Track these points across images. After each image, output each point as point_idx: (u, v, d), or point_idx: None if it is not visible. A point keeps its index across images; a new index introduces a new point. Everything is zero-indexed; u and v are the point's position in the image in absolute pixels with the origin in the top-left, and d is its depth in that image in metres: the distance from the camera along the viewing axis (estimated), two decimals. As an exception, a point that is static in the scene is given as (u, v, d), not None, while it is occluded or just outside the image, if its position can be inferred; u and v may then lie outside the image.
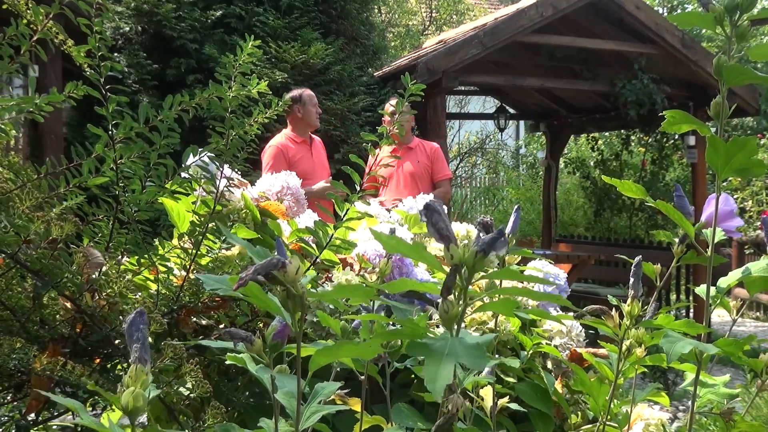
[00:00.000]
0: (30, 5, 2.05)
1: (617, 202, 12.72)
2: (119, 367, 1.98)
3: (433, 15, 19.56)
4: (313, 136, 6.64)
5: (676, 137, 11.89)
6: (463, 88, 13.16)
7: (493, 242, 0.97)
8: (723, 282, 1.49)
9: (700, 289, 1.50)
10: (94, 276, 1.80)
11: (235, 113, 2.15)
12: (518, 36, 9.00)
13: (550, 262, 2.63)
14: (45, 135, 7.71)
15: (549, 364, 2.43)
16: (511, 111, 13.06)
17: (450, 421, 1.07)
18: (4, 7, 2.09)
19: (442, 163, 7.14)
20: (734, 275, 1.50)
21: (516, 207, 1.75)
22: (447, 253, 0.99)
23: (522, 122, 19.21)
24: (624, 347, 1.57)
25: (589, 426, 2.15)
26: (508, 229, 1.69)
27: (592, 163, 13.72)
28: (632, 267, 1.55)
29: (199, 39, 8.35)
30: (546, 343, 2.34)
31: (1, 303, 1.83)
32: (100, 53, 1.88)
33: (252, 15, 8.55)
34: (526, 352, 2.31)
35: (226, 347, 1.21)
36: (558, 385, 2.35)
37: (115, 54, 8.47)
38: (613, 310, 1.65)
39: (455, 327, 0.99)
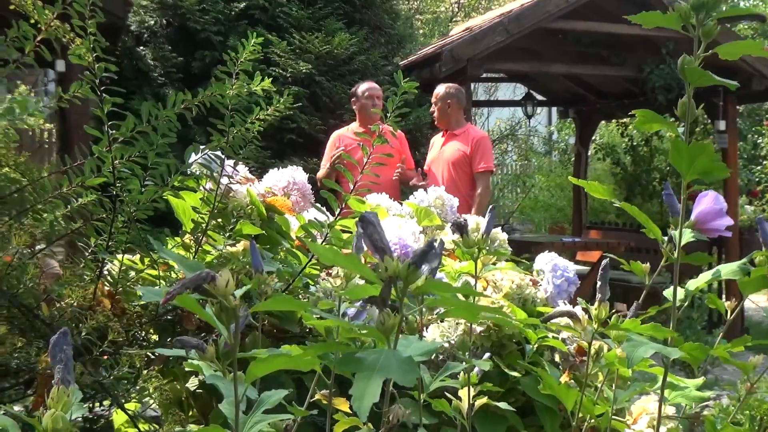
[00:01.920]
0: (36, 6, 2.07)
1: (648, 189, 12.60)
2: (125, 372, 1.99)
3: (462, 1, 19.48)
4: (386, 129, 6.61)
5: (708, 122, 11.78)
6: (491, 75, 13.11)
7: (425, 255, 0.98)
8: (692, 284, 1.48)
9: (668, 292, 1.48)
10: (51, 286, 1.81)
11: (237, 111, 2.17)
12: (544, 22, 8.95)
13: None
14: (73, 129, 7.78)
15: (557, 358, 2.42)
16: (540, 98, 12.98)
17: None
18: (11, 7, 2.11)
19: (483, 153, 6.70)
20: (704, 277, 1.48)
21: (491, 207, 1.73)
22: (381, 265, 1.00)
23: (554, 108, 19.11)
24: (593, 350, 1.57)
25: (594, 422, 2.14)
26: (482, 230, 1.68)
27: (622, 149, 13.60)
28: (599, 270, 1.54)
29: (223, 31, 8.37)
30: (553, 336, 2.33)
31: (10, 301, 1.85)
32: (95, 54, 1.89)
33: (275, 6, 8.55)
34: (531, 346, 2.30)
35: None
36: (565, 378, 2.33)
37: (141, 48, 8.52)
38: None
39: (393, 339, 0.99)
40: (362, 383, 0.90)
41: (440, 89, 6.83)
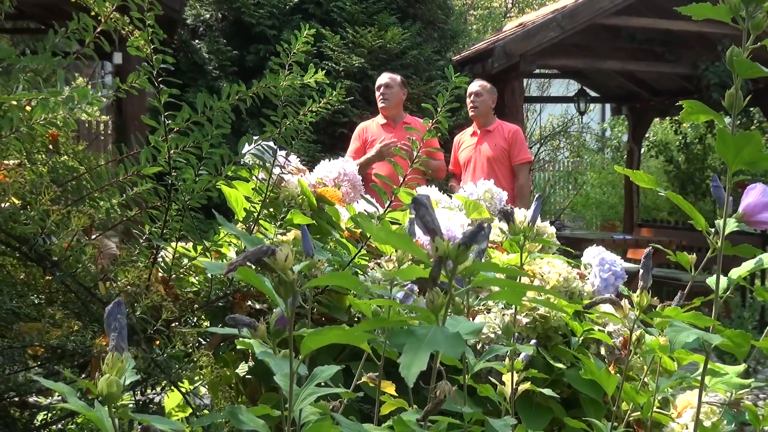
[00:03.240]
0: (95, -1, 2.12)
1: (701, 187, 12.48)
2: (178, 348, 2.04)
3: (516, -3, 19.41)
4: (412, 120, 6.52)
5: (764, 120, 11.64)
6: (544, 71, 13.05)
7: (474, 236, 1.02)
8: (734, 273, 1.49)
9: (711, 280, 1.49)
10: (108, 266, 1.86)
11: (290, 102, 2.20)
12: (598, 18, 8.91)
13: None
14: (129, 120, 7.91)
15: (603, 351, 2.43)
16: (593, 94, 12.90)
17: (437, 407, 1.11)
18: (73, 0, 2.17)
19: (521, 146, 6.83)
20: (747, 266, 1.49)
21: (537, 196, 1.76)
22: (432, 245, 1.03)
23: (608, 105, 18.97)
24: (634, 337, 1.58)
25: (637, 414, 2.16)
26: (528, 218, 1.71)
27: (675, 146, 13.48)
28: (642, 258, 1.56)
29: (277, 25, 8.46)
30: (598, 329, 2.34)
31: (64, 283, 1.90)
32: (153, 46, 1.94)
33: (329, 0, 8.62)
34: (577, 338, 2.32)
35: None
36: (611, 371, 2.34)
37: (196, 41, 8.63)
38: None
39: (441, 317, 1.02)
40: (411, 354, 0.95)
41: (485, 83, 6.81)
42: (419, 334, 0.97)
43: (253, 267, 1.08)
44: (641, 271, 1.57)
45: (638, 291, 1.58)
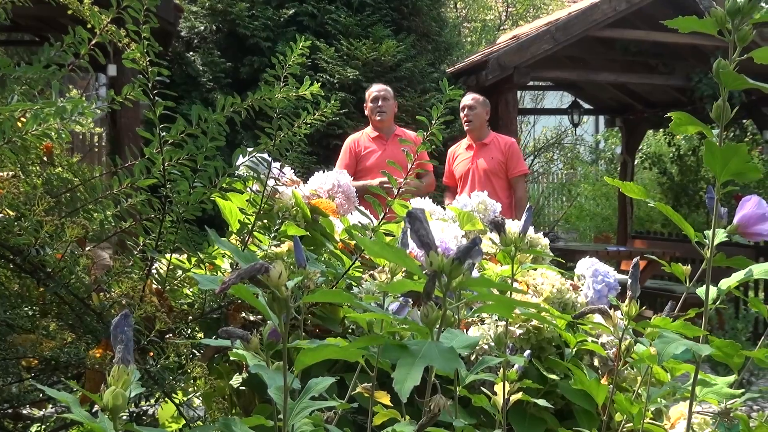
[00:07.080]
0: (91, 11, 2.13)
1: (694, 198, 12.51)
2: (171, 360, 2.04)
3: (509, 10, 19.45)
4: (402, 132, 6.48)
5: (757, 133, 11.68)
6: (538, 83, 13.08)
7: (468, 251, 1.02)
8: (723, 284, 1.50)
9: (700, 291, 1.50)
10: (101, 277, 1.87)
11: (285, 114, 2.21)
12: (591, 30, 8.95)
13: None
14: (123, 133, 7.92)
15: (596, 362, 2.43)
16: (586, 106, 12.94)
17: (432, 421, 1.11)
18: (69, 12, 2.18)
19: (517, 158, 6.82)
20: (736, 276, 1.50)
21: (528, 206, 1.77)
22: (426, 259, 1.04)
23: (601, 117, 19.01)
24: (623, 347, 1.59)
25: (631, 425, 2.16)
26: (519, 228, 1.72)
27: (669, 158, 13.51)
28: (630, 268, 1.57)
29: (272, 37, 8.48)
30: (592, 341, 2.34)
31: (57, 294, 1.90)
32: (148, 59, 1.95)
33: (324, 13, 8.64)
34: (570, 349, 2.32)
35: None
36: (604, 383, 2.35)
37: (190, 53, 8.65)
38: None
39: (435, 330, 1.03)
40: (404, 369, 0.95)
41: (478, 96, 6.80)
42: (413, 349, 0.98)
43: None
44: (629, 280, 1.59)
45: (627, 300, 1.60)
